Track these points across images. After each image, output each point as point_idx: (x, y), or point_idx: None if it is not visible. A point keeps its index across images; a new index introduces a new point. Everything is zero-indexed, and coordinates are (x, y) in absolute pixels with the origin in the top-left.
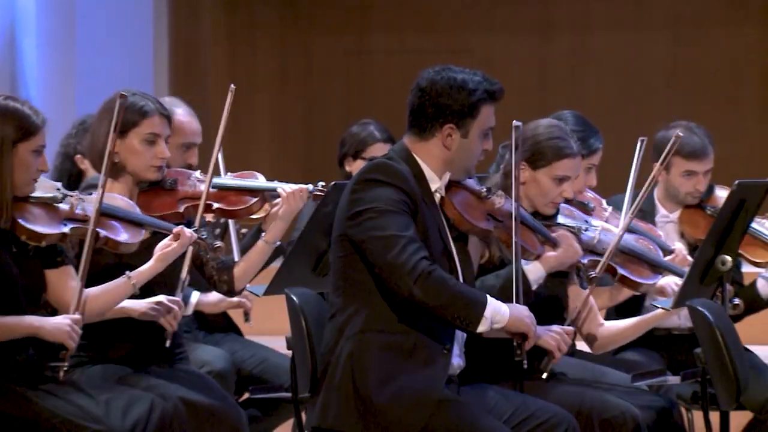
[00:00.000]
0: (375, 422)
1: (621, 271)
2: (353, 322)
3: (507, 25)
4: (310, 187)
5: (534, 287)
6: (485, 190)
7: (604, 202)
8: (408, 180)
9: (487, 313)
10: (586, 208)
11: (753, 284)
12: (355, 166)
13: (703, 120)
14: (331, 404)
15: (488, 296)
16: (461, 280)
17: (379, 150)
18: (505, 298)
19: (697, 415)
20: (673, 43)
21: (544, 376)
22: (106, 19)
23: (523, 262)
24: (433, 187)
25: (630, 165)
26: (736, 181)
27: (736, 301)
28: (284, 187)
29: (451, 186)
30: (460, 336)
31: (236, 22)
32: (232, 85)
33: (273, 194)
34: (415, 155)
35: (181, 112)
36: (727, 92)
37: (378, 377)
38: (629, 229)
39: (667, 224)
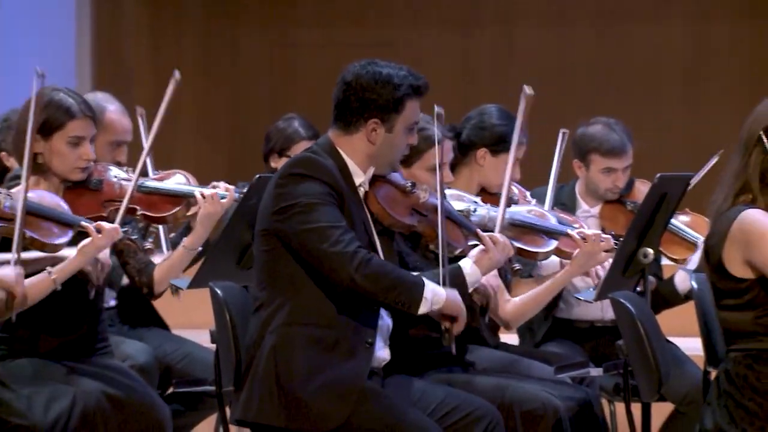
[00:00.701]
0: (298, 415)
1: (517, 244)
2: (277, 315)
3: (432, 18)
4: (236, 194)
5: (470, 290)
6: (410, 184)
7: (528, 194)
8: (332, 174)
9: (427, 294)
10: (510, 200)
11: (671, 279)
12: (280, 163)
13: (626, 114)
14: (255, 397)
15: (424, 278)
16: None
17: (304, 147)
18: None
19: (619, 407)
20: (596, 38)
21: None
22: (28, 12)
23: (461, 263)
24: (357, 181)
25: (547, 155)
26: (658, 175)
27: (651, 279)
28: (203, 192)
29: (376, 180)
30: (385, 329)
31: (161, 14)
32: (177, 73)
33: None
34: (339, 149)
35: (113, 110)
36: (650, 87)
37: (301, 370)
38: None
39: (588, 219)
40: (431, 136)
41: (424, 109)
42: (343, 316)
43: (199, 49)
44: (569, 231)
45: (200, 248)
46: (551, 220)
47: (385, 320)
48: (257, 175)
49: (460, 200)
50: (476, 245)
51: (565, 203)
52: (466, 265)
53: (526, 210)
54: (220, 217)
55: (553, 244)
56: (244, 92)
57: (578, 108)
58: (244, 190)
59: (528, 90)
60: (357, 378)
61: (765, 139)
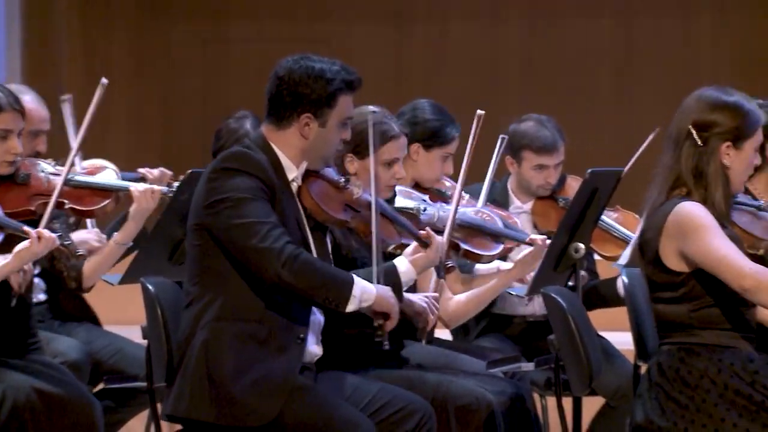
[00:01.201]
0: (229, 410)
1: (463, 245)
2: (208, 310)
3: (365, 14)
4: (164, 188)
5: (405, 288)
6: (343, 180)
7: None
8: (264, 169)
9: (355, 291)
10: (443, 196)
11: (613, 280)
12: None
13: (558, 111)
14: (185, 392)
15: (354, 275)
16: None
17: None
18: None
19: (551, 401)
20: (528, 34)
21: (424, 342)
22: None
23: (396, 261)
24: (290, 176)
25: (483, 153)
26: (589, 170)
27: (583, 273)
28: (137, 187)
29: (309, 175)
30: (317, 324)
31: (92, 7)
32: (104, 80)
33: (126, 193)
34: (272, 144)
35: (29, 99)
36: (582, 83)
37: (232, 366)
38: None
39: (521, 215)
40: (388, 131)
41: (361, 103)
42: (274, 312)
43: (130, 44)
44: (517, 237)
45: (131, 243)
46: (499, 224)
47: (317, 316)
48: (189, 171)
49: (408, 198)
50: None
51: (497, 199)
52: (401, 263)
53: (474, 211)
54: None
55: (500, 248)
56: (175, 86)
57: (510, 103)
58: (175, 185)
59: (373, 109)
60: (288, 374)
61: (694, 133)
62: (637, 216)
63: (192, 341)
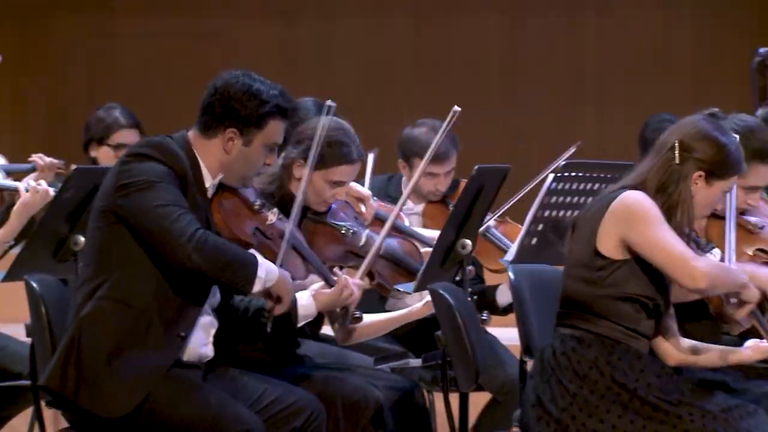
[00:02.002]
0: (88, 391)
1: (378, 279)
2: (98, 290)
3: (252, 9)
4: (52, 191)
5: (301, 324)
6: (259, 203)
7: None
8: (181, 160)
9: (260, 273)
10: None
11: (494, 289)
12: (100, 152)
13: (446, 106)
14: (53, 363)
15: (257, 255)
16: None
17: (125, 136)
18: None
19: (438, 397)
20: (415, 30)
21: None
22: None
23: (298, 294)
24: (206, 184)
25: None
26: (476, 167)
27: (484, 316)
28: (22, 186)
29: (225, 191)
30: (209, 326)
31: None
32: None
33: (12, 191)
34: (194, 149)
35: None
36: (470, 80)
37: (104, 348)
38: (394, 233)
39: (411, 216)
40: (347, 154)
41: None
42: (160, 304)
43: (16, 38)
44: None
45: (12, 242)
46: (419, 261)
47: (210, 318)
48: (74, 167)
49: (343, 210)
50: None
51: (391, 195)
52: (303, 297)
53: (398, 241)
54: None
55: (411, 286)
56: (61, 81)
57: (399, 100)
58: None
59: (329, 103)
60: (157, 370)
61: (677, 149)
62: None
63: (76, 317)
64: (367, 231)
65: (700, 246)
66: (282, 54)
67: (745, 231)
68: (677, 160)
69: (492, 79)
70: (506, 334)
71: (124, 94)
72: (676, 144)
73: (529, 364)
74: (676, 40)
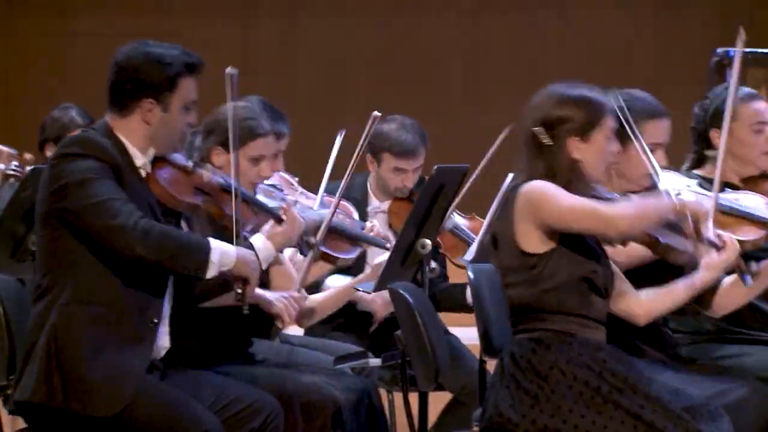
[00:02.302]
0: (78, 396)
1: (322, 248)
2: (60, 297)
3: (212, 9)
4: (1, 165)
5: (264, 266)
6: (192, 164)
7: (295, 182)
8: (107, 150)
9: (213, 257)
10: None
11: (464, 287)
12: None
13: (409, 106)
14: (34, 377)
15: (211, 239)
16: None
17: None
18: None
19: (398, 397)
20: (378, 30)
21: (277, 341)
22: None
23: (252, 239)
24: (138, 163)
25: (343, 132)
26: (436, 167)
27: (433, 265)
28: None
29: (156, 161)
30: (165, 314)
31: None
32: None
33: None
34: (117, 133)
35: None
36: (432, 79)
37: (83, 349)
38: (325, 205)
39: (378, 214)
40: (256, 128)
41: (206, 104)
42: (126, 295)
43: None
44: (377, 241)
45: None
46: (357, 227)
47: (163, 306)
48: (31, 168)
49: (268, 196)
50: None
51: (356, 197)
52: (258, 240)
53: (341, 216)
54: None
55: (357, 251)
56: (19, 81)
57: (361, 100)
58: (13, 165)
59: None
60: (142, 362)
61: (542, 133)
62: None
63: (42, 329)
64: (297, 207)
65: (614, 201)
66: (242, 54)
67: None
68: (548, 141)
69: (454, 79)
70: (466, 333)
71: (83, 94)
72: (538, 129)
73: (490, 364)
74: (637, 40)
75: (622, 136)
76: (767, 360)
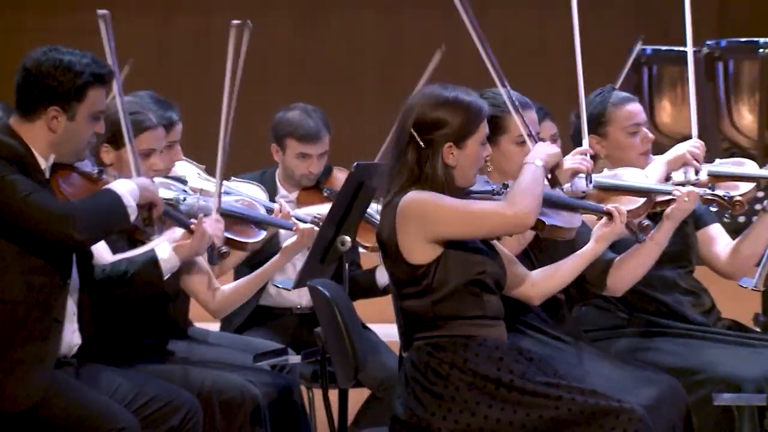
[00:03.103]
0: None
1: (227, 234)
2: None
3: (129, 5)
4: None
5: (166, 276)
6: (97, 171)
7: (202, 170)
8: (15, 148)
9: (127, 201)
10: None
11: (372, 271)
12: None
13: (323, 102)
14: None
15: (112, 186)
16: None
17: None
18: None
19: (318, 393)
20: (293, 26)
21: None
22: None
23: (157, 249)
24: (41, 166)
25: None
26: (355, 163)
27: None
28: None
29: (59, 169)
30: (71, 313)
31: None
32: None
33: None
34: (21, 136)
35: None
36: (347, 76)
37: None
38: (228, 193)
39: (287, 204)
40: (143, 121)
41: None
42: (29, 293)
43: None
44: (282, 224)
45: None
46: (260, 210)
47: (69, 303)
48: None
49: (168, 189)
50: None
51: (266, 189)
52: (163, 250)
53: (235, 199)
54: None
55: (263, 234)
56: None
57: (276, 96)
58: None
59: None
60: (48, 361)
61: (416, 135)
62: None
63: None
64: (195, 196)
65: (495, 192)
66: (160, 50)
67: None
68: (423, 145)
69: (369, 76)
70: (386, 330)
71: None
72: (413, 131)
73: None
74: (552, 38)
75: (494, 132)
76: (678, 352)
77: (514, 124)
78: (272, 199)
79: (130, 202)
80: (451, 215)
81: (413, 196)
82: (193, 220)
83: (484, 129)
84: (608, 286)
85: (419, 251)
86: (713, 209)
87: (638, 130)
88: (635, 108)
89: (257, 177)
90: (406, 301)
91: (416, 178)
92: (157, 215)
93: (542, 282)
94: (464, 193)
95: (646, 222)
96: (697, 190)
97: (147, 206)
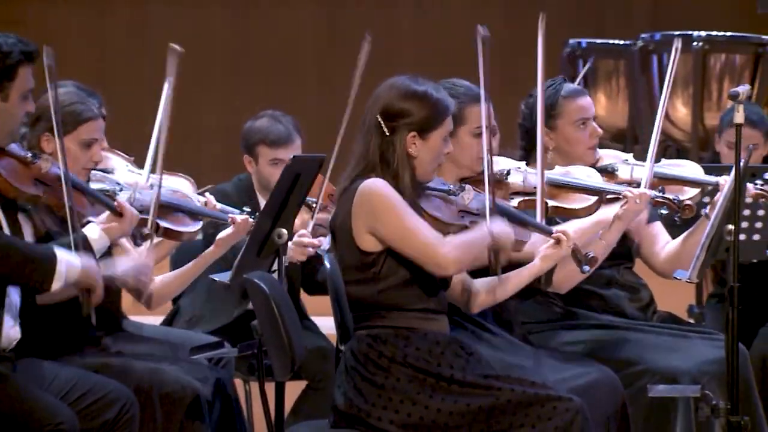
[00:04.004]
0: None
1: (163, 223)
2: None
3: None
4: None
5: (98, 256)
6: (30, 155)
7: (131, 162)
8: None
9: (61, 268)
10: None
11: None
12: None
13: (263, 96)
14: None
15: (57, 250)
16: None
17: None
18: None
19: (255, 387)
20: (232, 21)
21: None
22: None
23: (86, 230)
24: None
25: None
26: (292, 156)
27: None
28: None
29: None
30: (13, 306)
31: None
32: None
33: None
34: None
35: None
36: (287, 71)
37: None
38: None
39: None
40: (83, 112)
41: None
42: None
43: None
44: (216, 215)
45: None
46: (195, 202)
47: (13, 297)
48: None
49: (101, 182)
50: None
51: (252, 200)
52: (92, 231)
53: (172, 191)
54: None
55: (198, 225)
56: None
57: (215, 91)
58: None
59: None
60: None
61: (382, 122)
62: None
63: None
64: (131, 188)
65: (451, 192)
66: (95, 42)
67: (495, 182)
68: (387, 132)
69: (308, 70)
70: (323, 322)
71: None
72: (379, 117)
73: None
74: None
75: (455, 122)
76: (615, 345)
77: (474, 115)
78: (257, 209)
79: (63, 270)
80: (394, 224)
81: (372, 184)
82: (122, 201)
83: (449, 125)
84: (555, 283)
85: (369, 240)
86: (664, 212)
87: (587, 124)
88: (586, 102)
89: (235, 183)
90: (352, 287)
91: (378, 164)
92: (95, 303)
93: (484, 295)
94: (421, 188)
95: (592, 254)
96: (648, 192)
97: (86, 290)
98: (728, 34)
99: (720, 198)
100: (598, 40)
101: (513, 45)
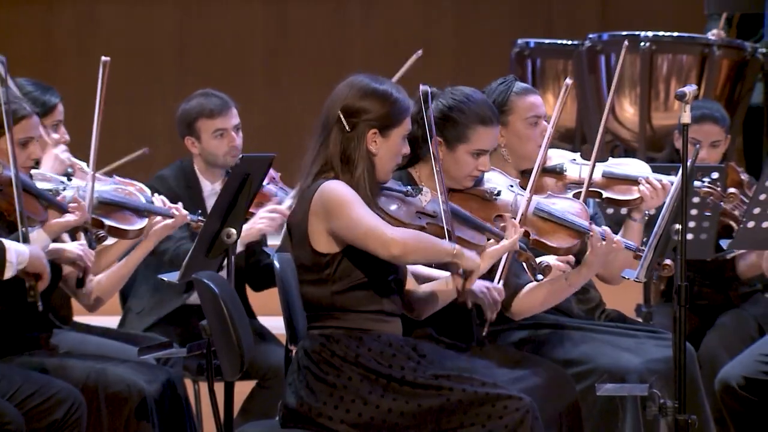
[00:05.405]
0: None
1: (107, 221)
2: None
3: None
4: None
5: (44, 252)
6: None
7: (85, 165)
8: None
9: (11, 257)
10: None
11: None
12: None
13: None
14: None
15: (3, 240)
16: None
17: None
18: None
19: (203, 386)
20: (180, 16)
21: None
22: None
23: (30, 230)
24: None
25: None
26: (240, 155)
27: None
28: None
29: None
30: None
31: None
32: None
33: None
34: None
35: None
36: (235, 69)
37: None
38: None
39: (212, 197)
40: (18, 111)
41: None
42: None
43: None
44: (160, 211)
45: None
46: (140, 199)
47: None
48: None
49: (45, 181)
50: None
51: (190, 186)
52: (35, 234)
53: (113, 188)
54: None
55: (144, 222)
56: None
57: (163, 89)
58: None
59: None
60: None
61: (343, 119)
62: None
63: None
64: (75, 186)
65: (408, 193)
66: (43, 40)
67: (482, 200)
68: (348, 128)
69: (256, 69)
70: (272, 322)
71: None
72: (340, 113)
73: (294, 352)
74: (436, 30)
75: (457, 138)
76: (565, 345)
77: (476, 136)
78: (199, 194)
79: (14, 259)
80: (353, 220)
81: (333, 186)
82: (65, 197)
83: (407, 125)
84: (512, 308)
85: (324, 241)
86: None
87: (538, 121)
88: (536, 100)
89: (174, 167)
90: (306, 287)
91: (338, 161)
92: (42, 288)
93: (424, 303)
94: (379, 189)
95: (546, 263)
96: (623, 241)
97: (33, 276)
98: (675, 34)
99: (667, 198)
100: (546, 41)
101: (463, 41)
